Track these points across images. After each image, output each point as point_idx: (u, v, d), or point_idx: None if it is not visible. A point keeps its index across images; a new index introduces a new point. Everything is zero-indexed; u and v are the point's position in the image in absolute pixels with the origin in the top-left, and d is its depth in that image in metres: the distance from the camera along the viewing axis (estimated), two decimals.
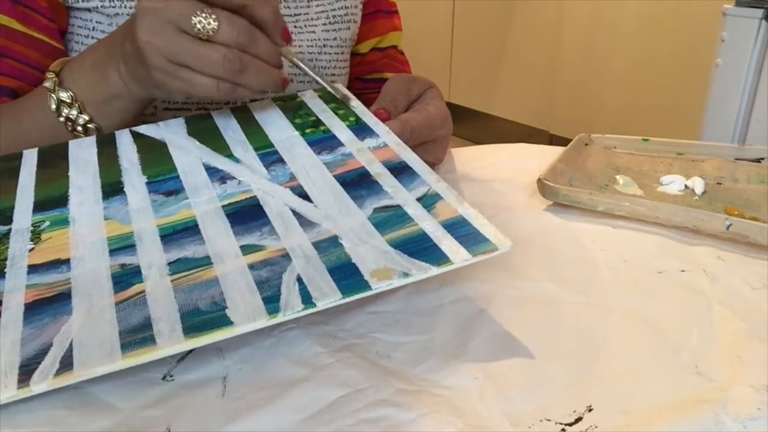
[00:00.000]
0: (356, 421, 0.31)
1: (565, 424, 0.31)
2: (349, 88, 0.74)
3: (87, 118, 0.52)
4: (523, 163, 0.63)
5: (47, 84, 0.52)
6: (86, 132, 0.52)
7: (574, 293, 0.42)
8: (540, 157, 0.62)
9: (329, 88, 0.54)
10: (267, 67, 0.48)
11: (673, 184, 0.57)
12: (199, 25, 0.45)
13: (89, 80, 0.52)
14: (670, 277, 0.44)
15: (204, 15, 0.45)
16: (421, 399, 0.32)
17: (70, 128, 0.52)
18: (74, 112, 0.52)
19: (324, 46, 0.69)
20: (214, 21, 0.45)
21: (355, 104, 0.54)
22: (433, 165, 0.61)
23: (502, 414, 0.32)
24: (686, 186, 0.57)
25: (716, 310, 0.40)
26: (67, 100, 0.51)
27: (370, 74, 0.78)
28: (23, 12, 0.57)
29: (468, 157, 0.65)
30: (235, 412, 0.32)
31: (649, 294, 0.42)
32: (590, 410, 0.32)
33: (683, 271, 0.44)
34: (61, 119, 0.52)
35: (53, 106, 0.51)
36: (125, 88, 0.51)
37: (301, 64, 0.52)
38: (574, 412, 0.32)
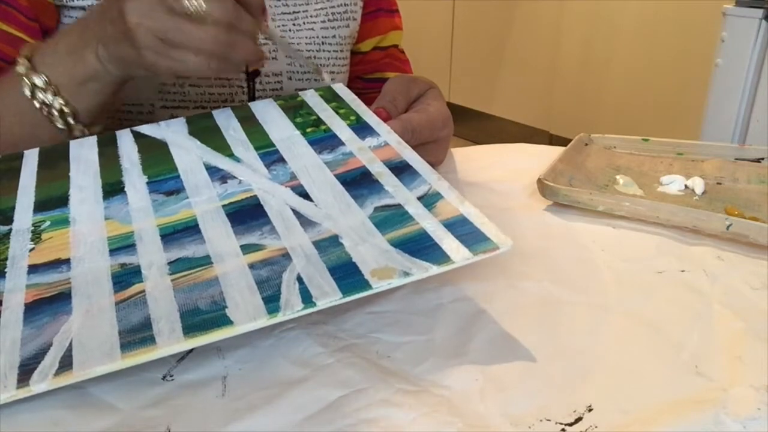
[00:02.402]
0: (356, 421, 0.31)
1: (565, 424, 0.31)
2: (349, 87, 0.74)
3: (62, 101, 0.52)
4: (523, 163, 0.63)
5: (20, 69, 0.51)
6: (62, 115, 0.52)
7: (574, 293, 0.42)
8: (540, 157, 0.62)
9: (301, 61, 0.56)
10: (252, 42, 0.50)
11: (673, 184, 0.57)
12: (189, 6, 0.46)
13: (65, 64, 0.51)
14: (670, 277, 0.44)
15: None
16: (421, 399, 0.32)
17: (45, 112, 0.52)
18: (49, 96, 0.51)
19: (323, 43, 0.69)
20: (203, 0, 0.46)
21: (326, 77, 0.57)
22: (433, 166, 0.60)
23: (502, 414, 0.32)
24: (686, 186, 0.57)
25: (716, 310, 0.40)
26: (42, 85, 0.51)
27: (372, 74, 0.78)
28: (3, 9, 0.57)
29: (468, 157, 0.65)
30: (235, 412, 0.32)
31: (649, 294, 0.42)
32: (590, 410, 0.32)
33: (683, 271, 0.44)
34: (37, 104, 0.51)
35: (27, 92, 0.51)
36: (103, 69, 0.51)
37: (277, 37, 0.55)
38: (574, 412, 0.32)
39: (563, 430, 0.31)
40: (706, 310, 0.40)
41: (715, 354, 0.36)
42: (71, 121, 0.53)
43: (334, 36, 0.70)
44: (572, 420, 0.31)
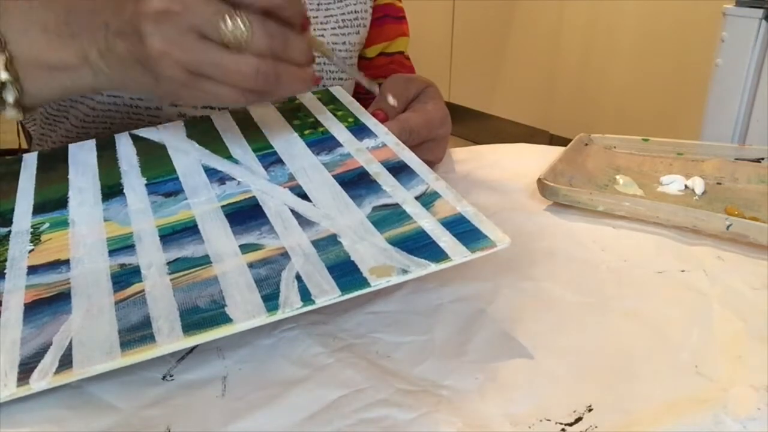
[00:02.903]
0: (356, 421, 0.31)
1: (565, 424, 0.31)
2: (355, 91, 0.74)
3: (10, 77, 0.42)
4: (523, 163, 0.63)
5: None
6: (2, 88, 0.43)
7: (574, 293, 0.42)
8: (540, 157, 0.62)
9: (358, 77, 0.54)
10: (300, 70, 0.42)
11: (673, 184, 0.57)
12: (229, 33, 0.38)
13: (35, 37, 0.42)
14: (670, 277, 0.44)
15: (234, 21, 0.38)
16: (421, 399, 0.32)
17: None
18: None
19: (332, 50, 0.68)
20: (245, 28, 0.39)
21: (391, 101, 0.54)
22: (432, 164, 0.61)
23: (502, 414, 0.32)
24: (686, 186, 0.57)
25: (716, 310, 0.40)
26: None
27: (377, 79, 0.77)
28: None
29: (468, 157, 0.65)
30: (235, 412, 0.32)
31: (649, 294, 0.42)
32: (590, 410, 0.32)
33: (683, 271, 0.44)
34: None
35: None
36: (91, 76, 0.43)
37: (331, 53, 0.49)
38: (574, 412, 0.32)
39: (563, 430, 0.31)
40: (706, 310, 0.40)
41: (715, 354, 0.36)
42: (9, 99, 0.43)
43: (344, 42, 0.69)
44: (572, 420, 0.31)
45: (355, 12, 0.70)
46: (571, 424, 0.31)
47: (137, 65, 0.41)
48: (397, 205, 0.41)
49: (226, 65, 0.39)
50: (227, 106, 0.43)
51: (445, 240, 0.37)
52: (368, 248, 0.37)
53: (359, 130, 0.49)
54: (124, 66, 0.42)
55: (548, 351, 0.36)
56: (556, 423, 0.31)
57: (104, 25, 0.41)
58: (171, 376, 0.34)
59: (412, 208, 0.40)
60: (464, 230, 0.37)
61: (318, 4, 0.67)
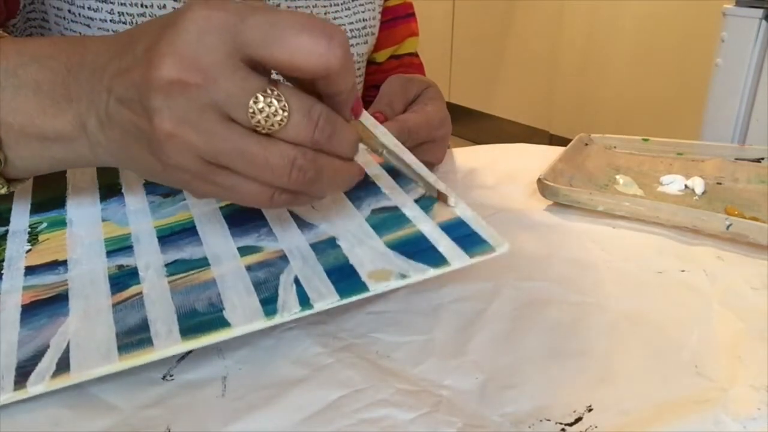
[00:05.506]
0: (356, 421, 0.31)
1: (565, 424, 0.31)
2: (363, 95, 0.74)
3: None
4: (523, 163, 0.63)
5: None
6: None
7: (575, 293, 0.42)
8: (540, 157, 0.62)
9: (411, 175, 0.41)
10: (345, 166, 0.34)
11: (673, 184, 0.57)
12: (260, 115, 0.30)
13: (24, 98, 0.34)
14: (670, 277, 0.44)
15: (268, 100, 0.30)
16: (421, 399, 0.32)
17: None
18: None
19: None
20: (282, 110, 0.30)
21: (453, 202, 0.40)
22: (432, 165, 0.60)
23: (502, 414, 0.32)
24: (686, 186, 0.57)
25: (716, 310, 0.40)
26: None
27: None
28: None
29: (468, 157, 0.65)
30: (235, 412, 0.32)
31: (649, 294, 0.42)
32: (590, 410, 0.32)
33: (683, 271, 0.44)
34: None
35: None
36: (88, 148, 0.35)
37: (383, 147, 0.39)
38: (574, 412, 0.32)
39: (563, 430, 0.31)
40: (706, 310, 0.40)
41: (715, 354, 0.36)
42: None
43: (352, 54, 0.68)
44: (572, 420, 0.31)
45: (364, 20, 0.69)
46: (571, 424, 0.31)
47: (141, 143, 0.33)
48: (396, 208, 0.40)
49: (254, 155, 0.31)
50: (249, 205, 0.35)
51: (444, 244, 0.36)
52: (367, 252, 0.37)
53: None
54: (126, 140, 0.33)
55: (548, 351, 0.36)
56: (556, 423, 0.31)
57: (107, 90, 0.33)
58: (171, 376, 0.34)
59: (411, 211, 0.40)
60: (463, 234, 0.37)
61: (325, 14, 0.67)
